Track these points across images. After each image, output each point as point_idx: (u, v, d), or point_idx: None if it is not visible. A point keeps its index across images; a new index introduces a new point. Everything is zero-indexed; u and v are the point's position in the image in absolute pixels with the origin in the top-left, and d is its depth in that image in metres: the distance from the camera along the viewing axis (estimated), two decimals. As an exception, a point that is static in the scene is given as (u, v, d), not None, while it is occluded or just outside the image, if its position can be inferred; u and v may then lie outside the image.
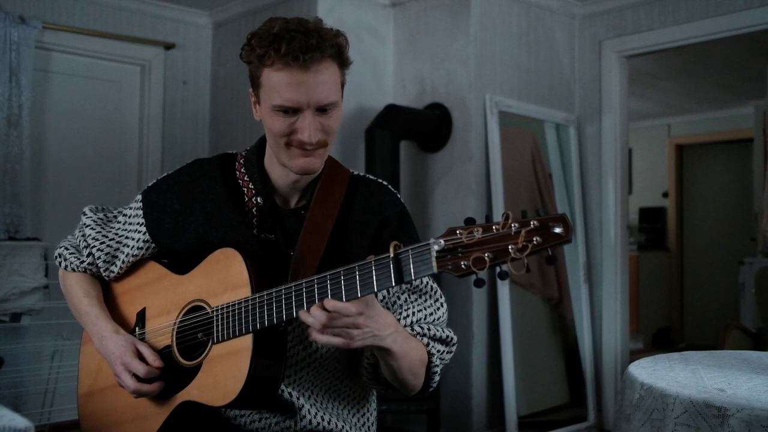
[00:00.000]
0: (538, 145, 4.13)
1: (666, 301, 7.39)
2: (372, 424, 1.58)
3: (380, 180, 1.55)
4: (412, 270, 1.15)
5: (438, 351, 1.42)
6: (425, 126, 3.79)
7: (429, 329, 1.41)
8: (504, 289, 3.68)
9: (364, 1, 3.95)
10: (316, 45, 1.30)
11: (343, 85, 1.41)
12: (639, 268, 6.94)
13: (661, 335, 7.18)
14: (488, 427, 3.71)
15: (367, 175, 1.55)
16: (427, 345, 1.40)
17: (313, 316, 1.22)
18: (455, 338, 1.45)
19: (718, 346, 2.88)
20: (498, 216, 3.71)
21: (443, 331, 1.43)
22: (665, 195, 7.57)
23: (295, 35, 1.30)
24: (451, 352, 1.46)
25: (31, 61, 3.69)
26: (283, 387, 1.42)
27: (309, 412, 1.43)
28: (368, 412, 1.57)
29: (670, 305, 7.41)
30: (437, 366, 1.42)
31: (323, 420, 1.45)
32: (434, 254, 1.12)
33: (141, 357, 1.44)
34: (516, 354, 3.70)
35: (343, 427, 1.48)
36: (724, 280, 6.89)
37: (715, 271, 7.19)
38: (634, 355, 3.33)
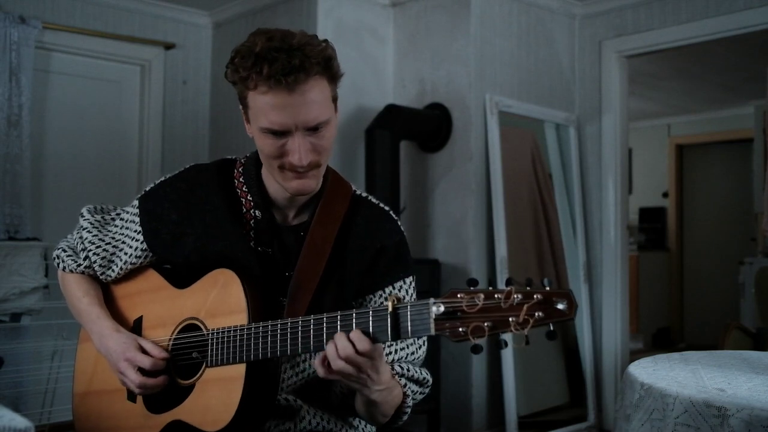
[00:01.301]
0: (538, 145, 4.13)
1: (666, 301, 7.39)
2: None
3: (382, 205, 1.53)
4: (409, 328, 1.14)
5: (413, 392, 1.42)
6: (425, 126, 3.79)
7: (408, 370, 1.41)
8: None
9: (364, 1, 3.95)
10: (299, 65, 1.24)
11: (335, 99, 1.36)
12: (639, 268, 6.94)
13: (661, 335, 7.18)
14: (488, 427, 3.71)
15: (369, 197, 1.52)
16: (404, 386, 1.40)
17: (339, 346, 1.19)
18: (430, 380, 1.46)
19: (718, 346, 2.88)
20: (500, 223, 3.73)
21: (420, 373, 1.43)
22: (665, 195, 7.57)
23: (277, 55, 1.23)
24: (423, 394, 1.46)
25: (31, 61, 3.69)
26: (279, 395, 1.42)
27: (308, 413, 1.44)
28: None
29: (670, 305, 7.41)
30: (408, 407, 1.41)
31: (323, 420, 1.45)
32: (433, 316, 1.10)
33: (144, 352, 1.43)
34: (516, 354, 3.70)
35: (342, 426, 1.48)
36: (724, 280, 6.88)
37: (715, 271, 7.19)
38: (634, 355, 3.33)
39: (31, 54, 3.69)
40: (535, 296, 1.05)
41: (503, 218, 3.73)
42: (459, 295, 1.09)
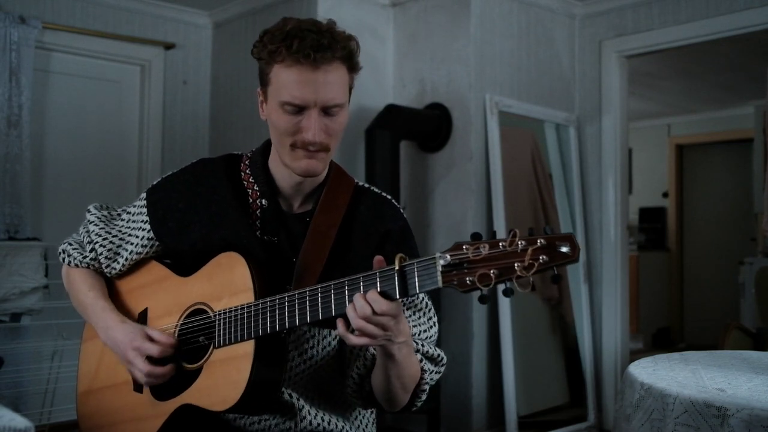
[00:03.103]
0: (538, 145, 4.13)
1: (666, 301, 7.39)
2: (371, 423, 1.58)
3: (384, 193, 1.56)
4: (417, 284, 1.15)
5: (429, 370, 1.42)
6: (425, 126, 3.79)
7: (423, 346, 1.41)
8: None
9: (364, 1, 3.95)
10: (327, 45, 1.32)
11: (351, 89, 1.42)
12: (639, 268, 6.94)
13: (661, 335, 7.18)
14: (488, 427, 3.71)
15: (372, 187, 1.55)
16: (421, 361, 1.40)
17: (357, 306, 1.20)
18: (445, 358, 1.45)
19: (718, 346, 2.88)
20: (501, 223, 3.72)
21: (435, 350, 1.43)
22: (665, 195, 7.57)
23: (308, 34, 1.32)
24: (439, 373, 1.46)
25: (31, 61, 3.69)
26: (282, 389, 1.42)
27: (309, 413, 1.44)
28: (366, 411, 1.57)
29: (670, 305, 7.41)
30: (426, 384, 1.41)
31: (323, 420, 1.45)
32: (440, 268, 1.11)
33: (151, 340, 1.44)
34: (516, 354, 3.70)
35: (343, 426, 1.48)
36: (724, 280, 6.88)
37: (715, 271, 7.19)
38: (634, 355, 3.33)
39: (31, 54, 3.69)
40: (538, 241, 1.06)
41: (503, 218, 3.73)
42: (464, 247, 1.10)
